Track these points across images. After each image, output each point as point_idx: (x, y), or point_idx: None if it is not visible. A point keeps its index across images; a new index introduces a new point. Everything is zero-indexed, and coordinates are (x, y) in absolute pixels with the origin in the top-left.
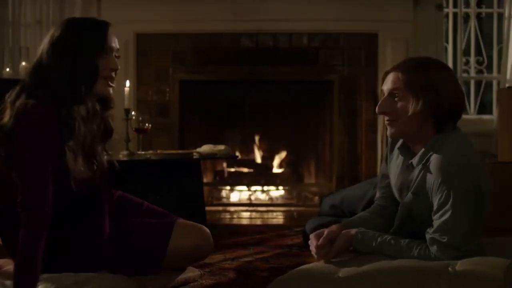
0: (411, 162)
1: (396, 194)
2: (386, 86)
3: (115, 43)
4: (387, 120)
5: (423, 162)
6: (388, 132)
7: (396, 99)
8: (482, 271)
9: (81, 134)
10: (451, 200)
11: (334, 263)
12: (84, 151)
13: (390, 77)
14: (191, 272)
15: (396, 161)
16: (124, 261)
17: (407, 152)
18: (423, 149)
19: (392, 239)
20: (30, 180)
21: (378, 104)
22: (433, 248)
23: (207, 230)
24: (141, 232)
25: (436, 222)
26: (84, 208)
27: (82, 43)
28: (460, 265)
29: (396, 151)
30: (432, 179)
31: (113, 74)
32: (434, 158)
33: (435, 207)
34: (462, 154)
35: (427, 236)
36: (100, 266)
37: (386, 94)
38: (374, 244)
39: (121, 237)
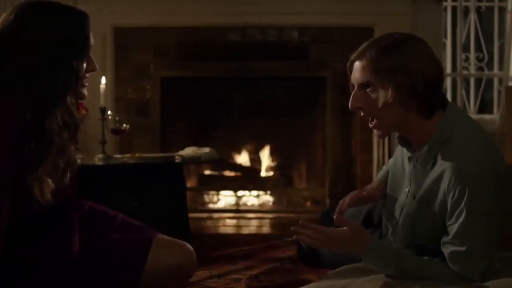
0: (416, 159)
1: (388, 186)
2: (354, 78)
3: (92, 40)
4: (369, 122)
5: (432, 164)
6: (375, 134)
7: (368, 90)
8: None
9: (55, 148)
10: (465, 199)
11: (338, 283)
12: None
13: (356, 67)
14: None
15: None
16: (96, 282)
17: (406, 142)
18: (426, 147)
19: (408, 252)
20: None
21: (350, 99)
22: (456, 266)
23: (190, 247)
24: (114, 248)
25: (453, 227)
26: (50, 221)
27: (62, 41)
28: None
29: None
30: (447, 179)
31: (87, 75)
32: (447, 158)
33: (449, 208)
34: (477, 148)
35: (445, 250)
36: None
37: (356, 86)
38: (388, 253)
39: (92, 254)
